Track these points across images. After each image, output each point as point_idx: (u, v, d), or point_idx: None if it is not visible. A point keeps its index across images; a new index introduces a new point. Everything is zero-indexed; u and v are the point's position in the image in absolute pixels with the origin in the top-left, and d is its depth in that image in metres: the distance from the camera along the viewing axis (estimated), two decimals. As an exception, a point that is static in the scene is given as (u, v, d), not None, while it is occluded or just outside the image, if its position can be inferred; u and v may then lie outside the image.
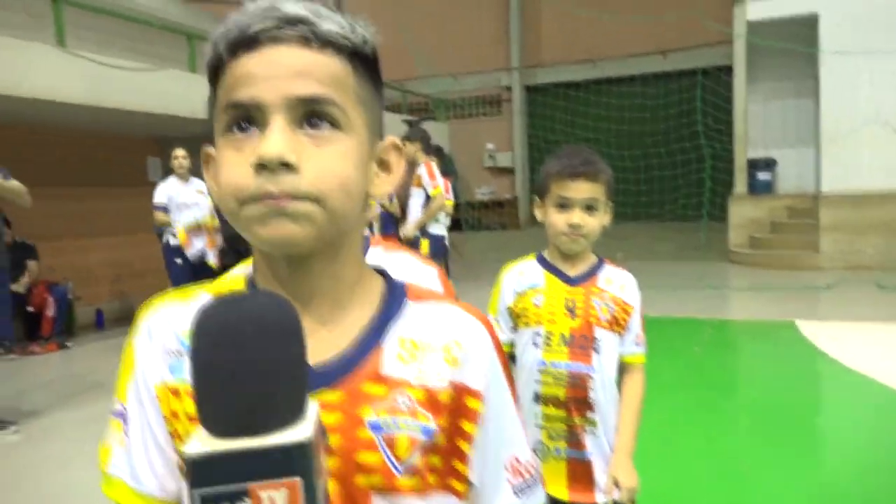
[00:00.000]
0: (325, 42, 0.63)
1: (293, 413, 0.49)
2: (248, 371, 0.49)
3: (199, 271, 6.23)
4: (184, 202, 6.25)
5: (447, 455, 0.68)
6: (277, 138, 0.60)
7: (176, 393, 0.68)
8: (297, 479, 0.47)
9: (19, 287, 6.53)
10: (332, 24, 0.63)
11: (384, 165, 0.72)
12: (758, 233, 10.88)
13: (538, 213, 1.80)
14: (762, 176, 11.35)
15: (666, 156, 13.35)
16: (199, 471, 0.47)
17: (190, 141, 6.57)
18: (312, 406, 0.51)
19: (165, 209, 6.28)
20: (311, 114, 0.62)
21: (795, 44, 10.13)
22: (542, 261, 1.82)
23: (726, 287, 9.02)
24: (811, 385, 5.12)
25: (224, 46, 0.64)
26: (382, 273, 0.74)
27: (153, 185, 7.89)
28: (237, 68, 0.63)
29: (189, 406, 0.66)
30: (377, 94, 0.69)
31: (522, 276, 1.81)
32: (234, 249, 5.90)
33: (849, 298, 7.75)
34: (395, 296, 0.71)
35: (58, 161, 7.53)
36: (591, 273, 1.77)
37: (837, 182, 9.91)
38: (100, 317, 7.95)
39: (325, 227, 0.62)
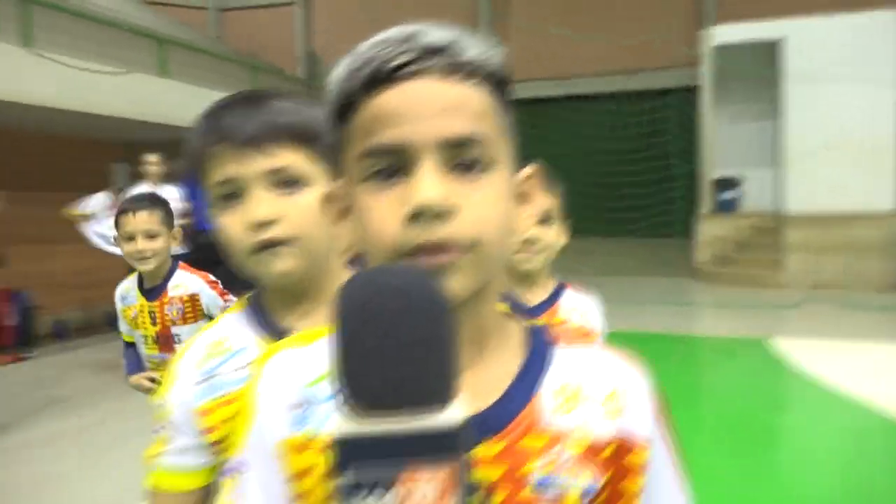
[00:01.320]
0: (470, 72, 0.57)
1: (444, 395, 0.46)
2: (403, 347, 0.46)
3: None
4: None
5: None
6: (433, 182, 0.54)
7: (302, 448, 0.61)
8: (453, 466, 0.43)
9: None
10: (474, 50, 0.58)
11: (523, 198, 0.66)
12: (723, 250, 11.08)
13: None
14: (727, 195, 11.61)
15: (635, 174, 13.55)
16: (348, 452, 0.43)
17: (157, 146, 6.40)
18: (461, 398, 0.47)
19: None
20: (461, 154, 0.57)
21: (760, 67, 10.40)
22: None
23: (693, 303, 9.15)
24: (786, 402, 5.20)
25: (359, 83, 0.57)
26: (514, 316, 0.69)
27: (120, 192, 7.68)
28: (376, 107, 0.56)
29: (323, 460, 0.60)
30: (512, 122, 0.64)
31: None
32: (206, 259, 5.74)
33: (814, 316, 7.93)
34: (539, 339, 0.66)
35: (19, 164, 7.27)
36: (552, 300, 1.63)
37: (801, 203, 10.17)
38: (62, 327, 7.67)
39: (480, 276, 0.57)
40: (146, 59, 7.65)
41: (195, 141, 0.96)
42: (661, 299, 8.95)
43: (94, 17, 7.26)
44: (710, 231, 11.33)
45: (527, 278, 1.59)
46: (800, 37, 10.13)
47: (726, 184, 11.55)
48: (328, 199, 0.65)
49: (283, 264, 0.90)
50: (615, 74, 15.42)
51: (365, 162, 0.57)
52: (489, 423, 0.59)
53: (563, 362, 0.65)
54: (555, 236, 1.59)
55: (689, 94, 12.10)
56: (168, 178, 6.15)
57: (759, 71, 10.41)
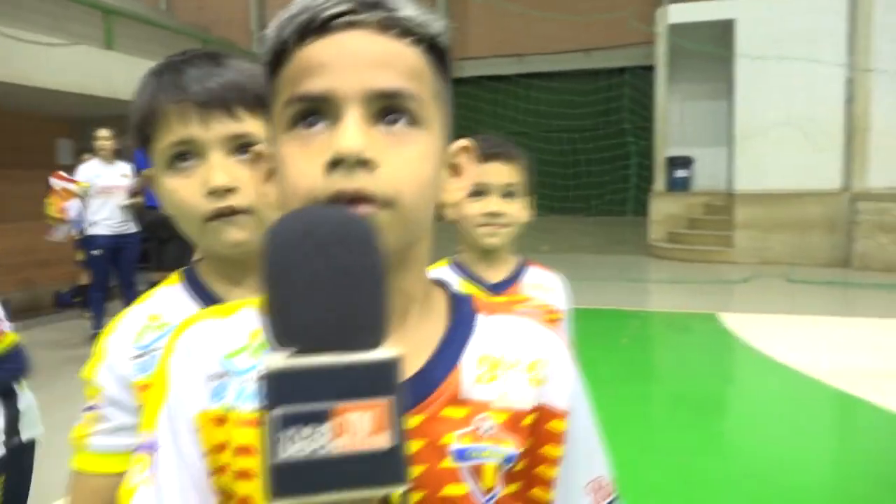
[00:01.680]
0: (404, 30, 0.57)
1: (375, 332, 0.46)
2: (335, 277, 0.45)
3: (117, 260, 5.92)
4: (106, 185, 5.88)
5: (527, 482, 0.64)
6: (355, 132, 0.54)
7: (221, 421, 0.59)
8: (387, 401, 0.43)
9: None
10: (411, 10, 0.57)
11: (455, 169, 0.65)
12: (676, 228, 11.30)
13: (449, 212, 1.56)
14: (680, 173, 11.81)
15: (593, 151, 13.67)
16: (278, 387, 0.43)
17: (105, 121, 6.20)
18: (389, 340, 0.47)
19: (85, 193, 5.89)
20: (388, 108, 0.56)
21: (714, 47, 10.55)
22: (457, 267, 1.57)
23: (647, 280, 9.33)
24: (735, 375, 5.36)
25: (291, 31, 0.56)
26: (442, 284, 0.68)
27: (64, 169, 7.43)
28: (306, 56, 0.56)
29: (240, 436, 0.58)
30: (449, 87, 0.63)
31: None
32: (156, 237, 5.61)
33: (762, 291, 8.17)
34: (462, 309, 0.66)
35: (-44, 140, 6.97)
36: (515, 277, 1.56)
37: (750, 181, 10.41)
38: (5, 308, 7.40)
39: (397, 236, 0.56)
40: (92, 31, 7.38)
41: (146, 96, 0.90)
42: (615, 276, 9.10)
43: (34, -15, 6.96)
44: (664, 209, 11.53)
45: (489, 254, 1.55)
46: (751, 16, 10.30)
47: (679, 162, 11.75)
48: (256, 157, 0.64)
49: (239, 234, 0.87)
50: (572, 52, 15.48)
51: (289, 109, 0.57)
52: (410, 394, 0.57)
53: (486, 331, 0.65)
54: (519, 211, 1.53)
55: (644, 73, 12.22)
56: (119, 154, 5.98)
57: (712, 50, 10.57)
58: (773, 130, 10.24)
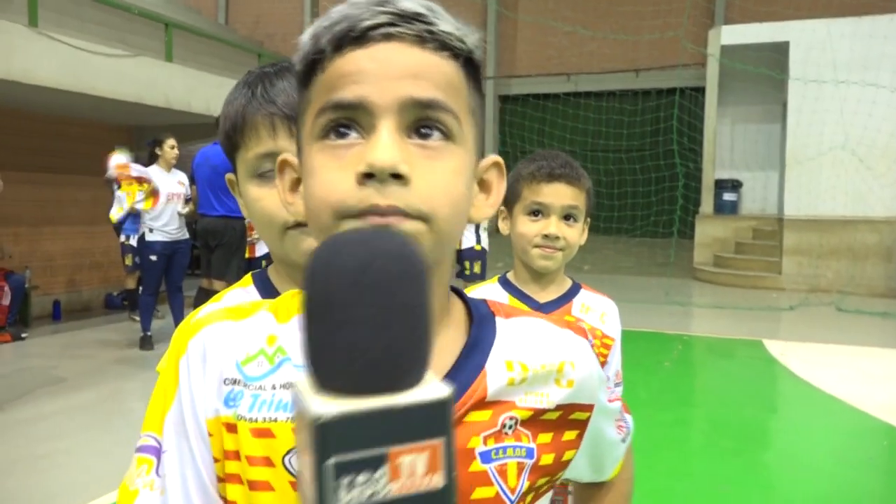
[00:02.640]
0: (441, 43, 0.56)
1: (422, 367, 0.44)
2: (392, 316, 0.43)
3: (169, 265, 6.07)
4: (165, 192, 6.02)
5: (554, 472, 0.66)
6: (389, 145, 0.53)
7: (233, 429, 0.58)
8: (440, 440, 0.41)
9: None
10: (448, 24, 0.57)
11: (485, 186, 0.65)
12: (722, 252, 11.09)
13: (503, 226, 1.52)
14: (728, 196, 11.62)
15: (640, 172, 13.52)
16: (331, 436, 0.40)
17: (161, 130, 6.40)
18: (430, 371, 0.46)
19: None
20: (423, 120, 0.56)
21: (766, 69, 10.38)
22: (506, 284, 1.53)
23: (691, 304, 9.16)
24: (780, 405, 5.21)
25: (328, 40, 0.56)
26: (457, 291, 0.69)
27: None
28: (342, 65, 0.55)
29: (251, 447, 0.57)
30: (482, 103, 0.63)
31: None
32: (205, 244, 5.75)
33: (811, 320, 7.94)
34: (481, 314, 0.66)
35: (21, 145, 7.27)
36: (565, 299, 1.50)
37: (801, 206, 10.17)
38: (56, 308, 7.68)
39: (431, 251, 0.55)
40: (153, 43, 7.64)
41: (237, 106, 0.93)
42: (658, 298, 8.96)
43: (101, -1, 7.25)
44: (710, 232, 11.34)
45: (541, 276, 1.48)
46: (805, 40, 10.11)
47: (727, 185, 11.55)
48: (282, 166, 0.65)
49: (315, 243, 0.91)
50: (621, 72, 15.40)
51: (322, 118, 0.56)
52: None
53: (507, 334, 0.65)
54: (577, 235, 1.46)
55: (694, 94, 12.07)
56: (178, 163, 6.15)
57: (766, 73, 10.39)
58: (828, 155, 10.00)
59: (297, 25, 17.65)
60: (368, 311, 0.42)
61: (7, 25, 5.65)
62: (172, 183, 6.05)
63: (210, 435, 0.58)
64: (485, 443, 0.60)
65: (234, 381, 0.59)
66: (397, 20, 0.55)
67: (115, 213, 6.95)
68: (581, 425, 0.67)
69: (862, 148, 9.83)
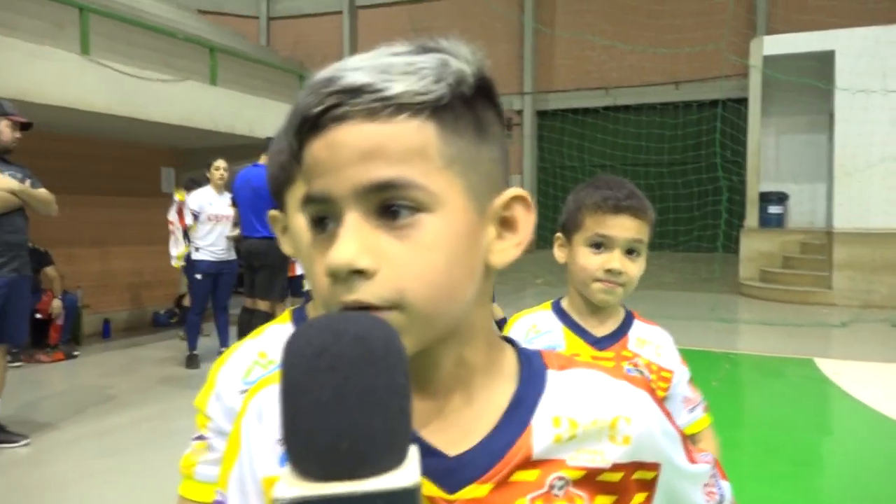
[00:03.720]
0: (396, 107, 0.52)
1: (396, 454, 0.43)
2: (348, 400, 0.43)
3: (216, 285, 6.19)
4: (216, 213, 6.14)
5: None
6: (346, 241, 0.52)
7: None
8: None
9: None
10: (404, 82, 0.52)
11: (508, 224, 0.59)
12: (769, 266, 10.84)
13: (560, 254, 1.45)
14: (773, 209, 11.36)
15: (682, 186, 13.33)
16: None
17: (208, 153, 6.55)
18: (413, 451, 0.45)
19: (195, 217, 6.17)
20: (386, 201, 0.52)
21: (811, 79, 10.17)
22: (561, 313, 1.46)
23: (738, 320, 8.96)
24: (833, 425, 5.05)
25: (292, 134, 0.56)
26: (511, 342, 0.66)
27: (166, 197, 7.86)
28: (307, 156, 0.55)
29: None
30: (483, 137, 0.57)
31: (537, 331, 1.45)
32: (249, 265, 5.84)
33: (863, 337, 7.69)
34: (532, 366, 0.63)
35: (72, 169, 7.51)
36: (621, 332, 1.44)
37: (851, 219, 9.89)
38: (106, 326, 7.88)
39: (415, 336, 0.53)
40: (198, 67, 7.85)
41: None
42: (703, 315, 8.78)
43: (149, 25, 7.48)
44: (755, 246, 11.09)
45: (599, 309, 1.43)
46: (851, 48, 9.88)
47: (773, 198, 11.30)
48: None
49: None
50: (661, 84, 15.26)
51: (305, 210, 0.56)
52: (477, 462, 0.57)
53: (558, 388, 0.62)
54: (639, 270, 1.39)
55: (737, 105, 11.87)
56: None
57: (812, 83, 10.17)
58: (878, 166, 9.72)
59: (337, 45, 17.94)
60: (323, 397, 0.42)
61: (60, 54, 5.87)
62: (223, 204, 6.15)
63: (265, 493, 0.60)
64: (534, 503, 0.58)
65: None
66: (345, 98, 0.52)
67: (176, 255, 7.03)
68: (649, 486, 0.62)
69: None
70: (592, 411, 0.61)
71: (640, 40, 14.08)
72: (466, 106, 0.55)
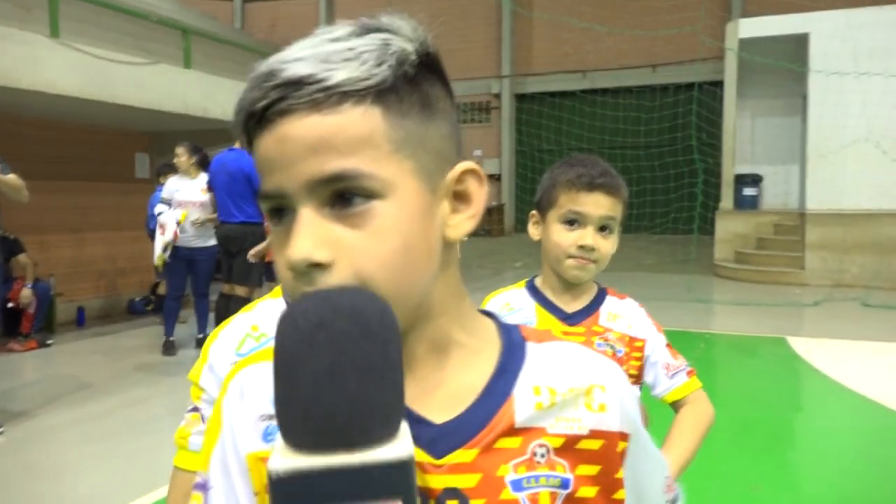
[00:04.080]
0: (340, 95, 0.52)
1: (390, 427, 0.44)
2: (345, 373, 0.43)
3: (192, 272, 6.13)
4: (181, 200, 6.04)
5: None
6: (302, 236, 0.52)
7: None
8: (396, 502, 0.42)
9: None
10: (345, 70, 0.52)
11: (462, 197, 0.60)
12: (743, 248, 10.98)
13: (534, 231, 1.46)
14: (748, 191, 11.50)
15: (658, 169, 13.44)
16: (284, 490, 0.41)
17: (181, 137, 6.47)
18: (405, 426, 0.46)
19: (168, 205, 6.08)
20: (338, 191, 0.53)
21: (786, 61, 10.26)
22: (533, 290, 1.48)
23: (713, 301, 9.08)
24: (805, 402, 5.15)
25: (240, 130, 0.55)
26: (491, 315, 0.68)
27: (140, 182, 7.76)
28: (257, 152, 0.55)
29: None
30: (430, 115, 0.57)
31: (509, 309, 1.47)
32: (226, 250, 5.79)
33: (835, 316, 7.84)
34: (512, 339, 0.65)
35: (44, 154, 7.37)
36: (592, 308, 1.46)
37: (824, 200, 10.05)
38: (81, 314, 7.79)
39: None
40: (171, 50, 7.72)
41: None
42: (679, 296, 8.89)
43: (120, 7, 7.33)
44: (731, 228, 11.23)
45: (572, 286, 1.44)
46: (826, 31, 9.98)
47: (748, 180, 11.43)
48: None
49: None
50: (638, 68, 15.32)
51: (261, 204, 0.57)
52: (462, 429, 0.59)
53: (537, 359, 0.64)
54: (611, 247, 1.41)
55: (713, 88, 11.96)
56: (202, 166, 6.11)
57: (786, 65, 10.27)
58: (851, 148, 9.87)
59: (313, 29, 17.71)
60: (321, 369, 0.43)
61: (30, 37, 5.73)
62: (191, 191, 6.05)
63: (249, 470, 0.60)
64: (515, 471, 0.59)
65: (270, 417, 0.60)
66: (288, 91, 0.52)
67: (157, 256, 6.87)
68: (619, 460, 0.64)
69: (886, 140, 9.69)
70: (569, 380, 0.63)
71: (617, 23, 14.10)
72: (411, 85, 0.55)
